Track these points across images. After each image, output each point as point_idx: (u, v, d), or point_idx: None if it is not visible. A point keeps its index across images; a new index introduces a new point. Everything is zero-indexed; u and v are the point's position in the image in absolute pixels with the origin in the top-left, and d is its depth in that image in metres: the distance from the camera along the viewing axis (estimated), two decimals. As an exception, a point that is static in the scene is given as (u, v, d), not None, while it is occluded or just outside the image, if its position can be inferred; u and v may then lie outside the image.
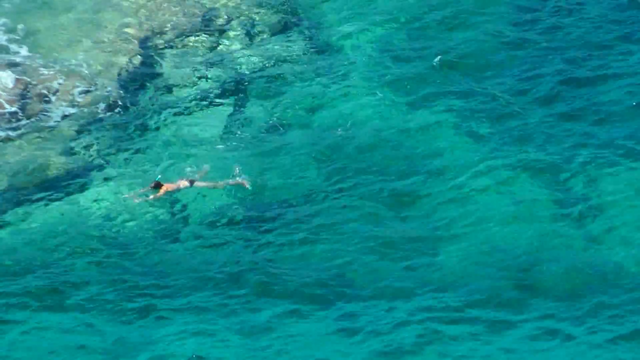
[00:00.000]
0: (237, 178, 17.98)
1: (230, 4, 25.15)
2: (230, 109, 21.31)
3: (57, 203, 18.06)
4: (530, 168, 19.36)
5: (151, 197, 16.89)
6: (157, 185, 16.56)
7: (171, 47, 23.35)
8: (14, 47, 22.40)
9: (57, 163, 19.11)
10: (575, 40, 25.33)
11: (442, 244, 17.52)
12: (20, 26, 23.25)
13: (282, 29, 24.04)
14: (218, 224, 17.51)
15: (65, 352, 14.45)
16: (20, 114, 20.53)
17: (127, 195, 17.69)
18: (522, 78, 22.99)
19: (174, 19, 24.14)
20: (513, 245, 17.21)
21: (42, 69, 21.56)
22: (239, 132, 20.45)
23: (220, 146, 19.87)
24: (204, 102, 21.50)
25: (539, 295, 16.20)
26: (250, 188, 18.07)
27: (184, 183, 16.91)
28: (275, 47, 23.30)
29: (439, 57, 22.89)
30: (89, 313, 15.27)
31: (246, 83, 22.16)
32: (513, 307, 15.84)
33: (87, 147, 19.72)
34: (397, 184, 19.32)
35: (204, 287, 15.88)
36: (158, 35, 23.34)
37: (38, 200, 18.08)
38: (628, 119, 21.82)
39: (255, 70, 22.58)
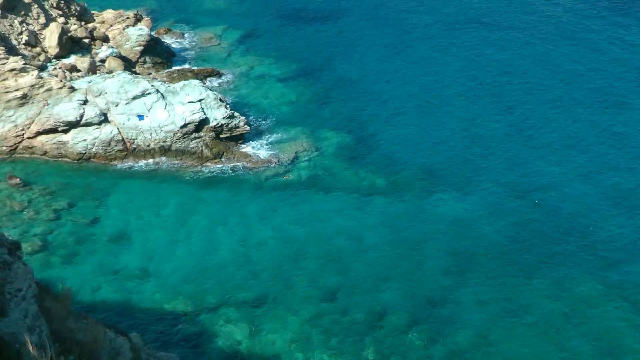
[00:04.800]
0: (289, 174, 48.64)
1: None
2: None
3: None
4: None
5: (284, 177, 48.37)
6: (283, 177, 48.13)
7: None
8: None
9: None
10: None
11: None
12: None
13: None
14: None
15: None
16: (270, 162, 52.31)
17: (284, 177, 49.09)
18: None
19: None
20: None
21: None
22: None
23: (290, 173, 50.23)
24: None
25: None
26: (287, 180, 49.09)
27: (285, 177, 48.45)
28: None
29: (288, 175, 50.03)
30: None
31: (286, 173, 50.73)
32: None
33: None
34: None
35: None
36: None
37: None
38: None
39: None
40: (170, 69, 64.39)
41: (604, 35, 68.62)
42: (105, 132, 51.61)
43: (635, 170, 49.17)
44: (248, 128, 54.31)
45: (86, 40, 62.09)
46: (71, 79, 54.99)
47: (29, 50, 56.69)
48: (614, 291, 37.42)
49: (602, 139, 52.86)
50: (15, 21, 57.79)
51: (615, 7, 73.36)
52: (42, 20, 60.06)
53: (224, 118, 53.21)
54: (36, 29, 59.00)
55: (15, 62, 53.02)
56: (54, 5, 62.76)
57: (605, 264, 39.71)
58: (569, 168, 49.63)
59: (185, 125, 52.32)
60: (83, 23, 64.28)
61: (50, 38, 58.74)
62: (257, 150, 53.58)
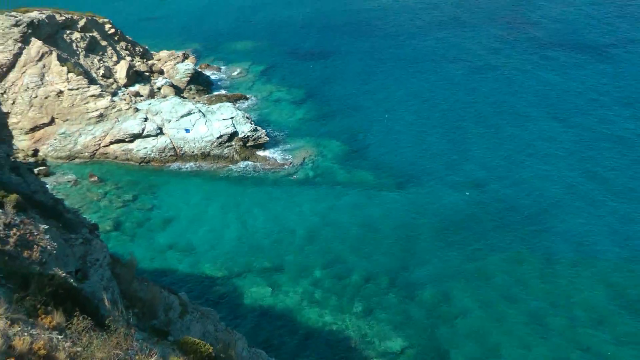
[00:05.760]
0: (295, 175, 46.92)
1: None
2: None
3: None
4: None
5: (293, 177, 46.53)
6: (292, 177, 45.83)
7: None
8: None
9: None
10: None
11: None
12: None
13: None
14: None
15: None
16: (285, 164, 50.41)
17: (293, 177, 47.37)
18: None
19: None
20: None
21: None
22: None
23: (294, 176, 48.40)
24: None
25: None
26: (296, 178, 47.69)
27: (293, 177, 46.00)
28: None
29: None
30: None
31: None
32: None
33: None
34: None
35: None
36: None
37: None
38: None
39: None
40: (209, 95, 63.83)
41: (522, 69, 67.91)
42: (161, 142, 51.42)
43: (542, 167, 48.54)
44: (267, 138, 54.06)
45: (147, 73, 63.01)
46: (135, 102, 55.08)
47: (105, 81, 57.41)
48: (532, 255, 37.47)
49: (516, 145, 52.39)
50: (95, 59, 58.55)
51: (533, 50, 72.91)
52: (115, 58, 60.88)
53: (249, 131, 52.93)
54: (110, 65, 59.80)
55: (94, 89, 53.44)
56: (124, 47, 64.03)
57: (523, 236, 39.58)
58: (494, 168, 49.02)
59: (220, 137, 51.95)
60: (145, 60, 65.42)
61: (121, 72, 59.60)
62: (274, 155, 53.02)
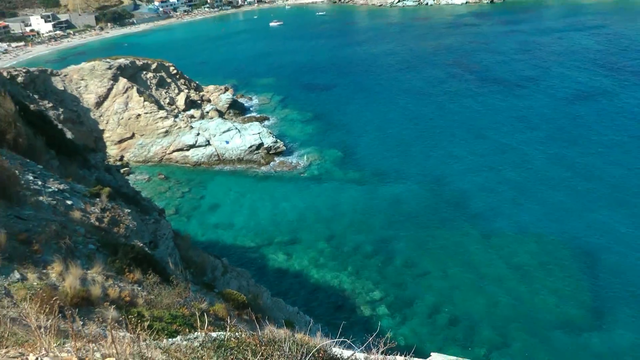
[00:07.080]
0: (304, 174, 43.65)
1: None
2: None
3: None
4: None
5: (302, 175, 43.10)
6: (300, 174, 41.33)
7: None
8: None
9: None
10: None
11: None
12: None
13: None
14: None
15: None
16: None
17: (302, 175, 44.66)
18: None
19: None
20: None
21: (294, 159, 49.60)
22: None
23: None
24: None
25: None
26: (305, 176, 43.91)
27: (302, 174, 43.29)
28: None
29: None
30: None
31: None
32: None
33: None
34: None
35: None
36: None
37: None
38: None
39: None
40: (243, 116, 62.13)
41: (452, 99, 65.64)
42: (208, 150, 50.52)
43: (463, 169, 46.50)
44: (284, 148, 52.37)
45: (199, 101, 64.09)
46: (191, 122, 54.56)
47: (169, 107, 58.55)
48: (478, 236, 36.53)
49: (445, 154, 50.23)
50: (163, 92, 59.57)
51: (461, 85, 70.75)
52: (176, 91, 61.73)
53: (271, 142, 51.55)
54: (173, 95, 60.82)
55: (162, 113, 54.26)
56: (183, 83, 64.94)
57: (474, 220, 38.59)
58: (431, 170, 46.92)
59: (251, 147, 50.64)
60: (197, 92, 66.38)
61: (180, 100, 60.42)
62: (289, 159, 50.89)
